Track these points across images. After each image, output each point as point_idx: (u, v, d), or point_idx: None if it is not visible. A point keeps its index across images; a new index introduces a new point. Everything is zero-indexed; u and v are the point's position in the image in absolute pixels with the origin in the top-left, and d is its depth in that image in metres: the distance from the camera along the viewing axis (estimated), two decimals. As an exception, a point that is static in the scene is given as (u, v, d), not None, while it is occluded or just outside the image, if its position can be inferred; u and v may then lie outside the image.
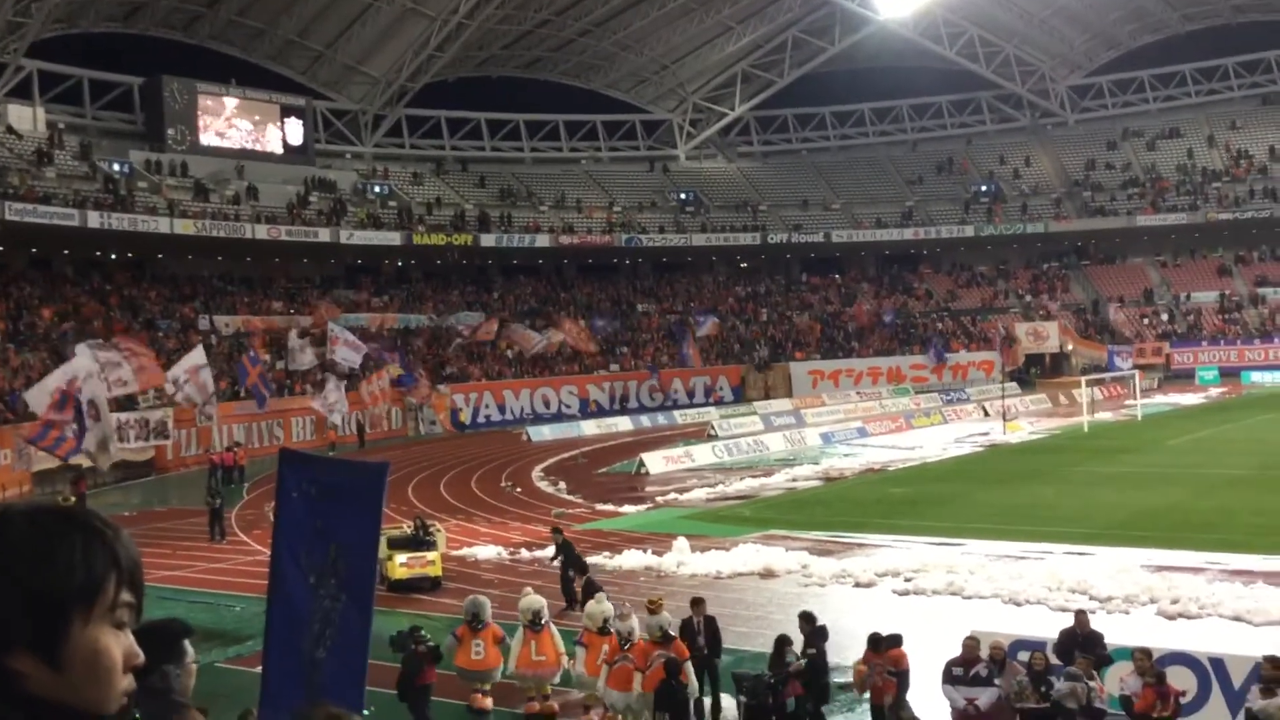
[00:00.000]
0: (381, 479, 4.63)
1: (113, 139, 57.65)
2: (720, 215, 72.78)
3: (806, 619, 13.10)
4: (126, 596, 1.58)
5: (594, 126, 75.77)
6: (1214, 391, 57.61)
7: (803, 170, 78.72)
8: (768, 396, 58.72)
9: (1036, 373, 63.08)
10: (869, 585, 19.49)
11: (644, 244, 68.82)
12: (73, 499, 26.86)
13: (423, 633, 13.39)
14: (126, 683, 1.58)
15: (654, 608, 13.33)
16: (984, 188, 76.15)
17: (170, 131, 57.63)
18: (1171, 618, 16.44)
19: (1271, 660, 11.09)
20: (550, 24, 65.61)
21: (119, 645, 1.57)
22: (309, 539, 4.47)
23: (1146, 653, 11.56)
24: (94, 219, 48.16)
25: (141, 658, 1.61)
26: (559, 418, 54.06)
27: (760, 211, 73.36)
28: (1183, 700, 11.36)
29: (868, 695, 12.26)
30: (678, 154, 76.76)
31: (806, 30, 71.54)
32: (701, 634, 13.68)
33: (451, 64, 64.74)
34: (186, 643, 3.37)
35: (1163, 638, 13.61)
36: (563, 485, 34.14)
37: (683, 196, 73.74)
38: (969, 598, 18.14)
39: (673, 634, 12.85)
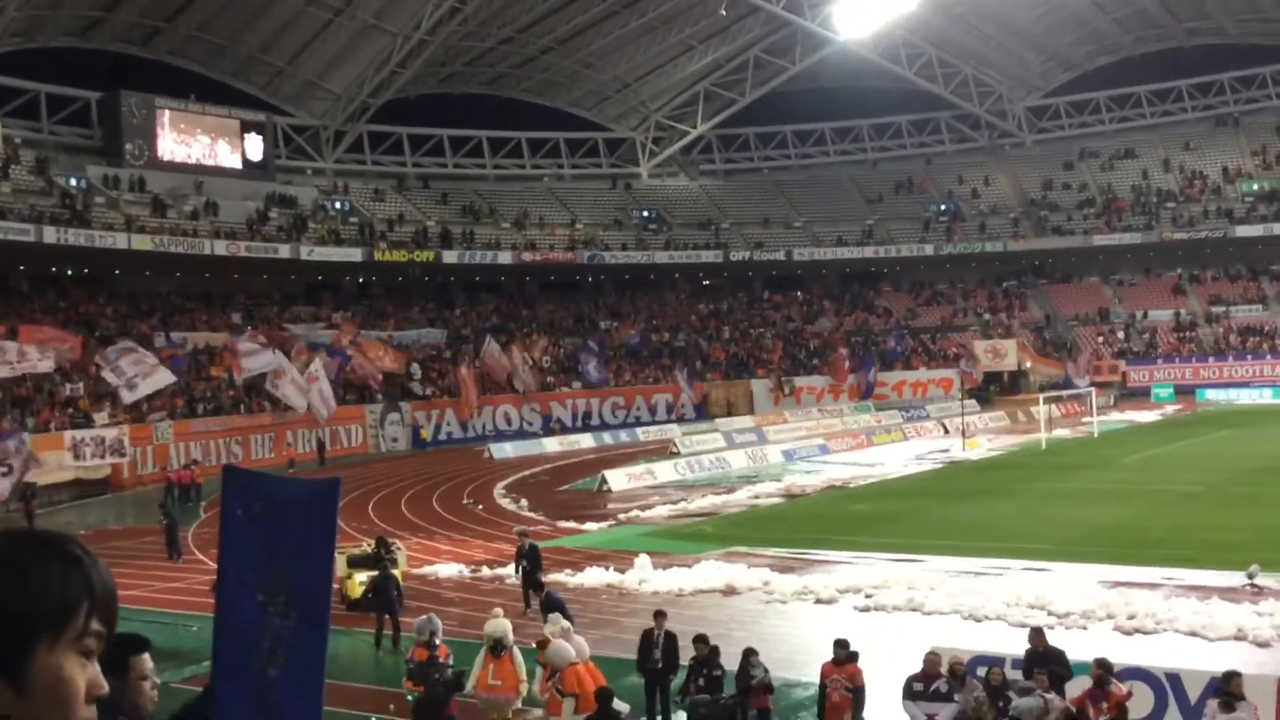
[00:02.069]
0: (333, 496, 4.58)
1: (70, 154, 57.05)
2: (682, 233, 72.99)
3: (702, 640, 13.17)
4: (96, 626, 1.57)
5: (556, 144, 75.86)
6: (1169, 409, 58.32)
7: (764, 188, 79.15)
8: (729, 414, 58.85)
9: (995, 390, 63.60)
10: (830, 602, 19.53)
11: (606, 261, 68.88)
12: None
13: (441, 661, 13.15)
14: (88, 713, 1.56)
15: (541, 644, 13.33)
16: (943, 207, 76.89)
17: (128, 147, 57.09)
18: (1128, 633, 16.59)
19: (1232, 676, 11.20)
20: (513, 41, 65.67)
21: (83, 674, 1.55)
22: (256, 557, 4.42)
23: (1100, 662, 11.69)
24: (50, 234, 47.60)
25: (105, 689, 1.59)
26: (521, 435, 53.91)
27: (722, 229, 73.65)
28: (1128, 704, 11.43)
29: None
30: (640, 172, 76.95)
31: (768, 50, 71.99)
32: (659, 648, 13.65)
33: (414, 80, 64.60)
34: (139, 659, 3.30)
35: (1119, 653, 13.70)
36: (525, 502, 34.02)
37: (645, 214, 73.91)
38: (929, 614, 18.22)
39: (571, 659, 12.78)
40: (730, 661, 12.98)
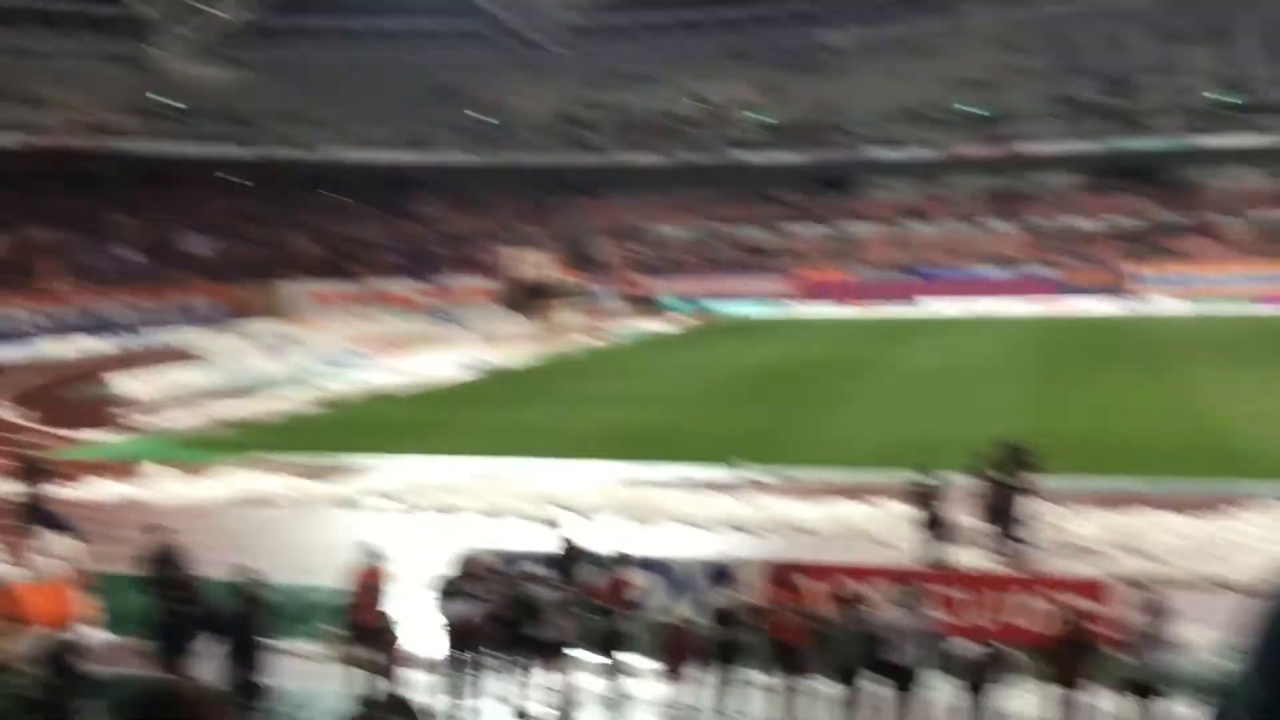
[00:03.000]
0: None
1: None
2: (213, 125, 68.75)
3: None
4: None
5: (68, 16, 68.52)
6: (685, 320, 63.01)
7: (303, 84, 76.01)
8: (262, 317, 56.65)
9: (528, 300, 65.69)
10: (362, 506, 19.60)
11: (125, 151, 63.54)
12: None
13: None
14: None
15: None
16: (482, 117, 77.71)
17: None
18: (640, 525, 18.03)
19: (727, 563, 12.49)
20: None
21: None
22: None
23: (612, 554, 12.75)
24: None
25: None
26: (21, 335, 48.90)
27: (257, 125, 70.13)
28: (636, 595, 12.55)
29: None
30: (165, 55, 71.36)
31: (306, -63, 68.87)
32: (170, 564, 12.95)
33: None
34: None
35: (631, 545, 14.84)
36: (22, 410, 31.11)
37: (171, 102, 68.76)
38: (460, 514, 18.80)
39: None
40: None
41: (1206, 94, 72.38)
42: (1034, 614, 12.53)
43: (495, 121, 77.50)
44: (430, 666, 11.97)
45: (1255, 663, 0.63)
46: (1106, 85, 75.67)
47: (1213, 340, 43.43)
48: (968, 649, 11.19)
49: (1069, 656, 10.69)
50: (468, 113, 77.70)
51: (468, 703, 11.70)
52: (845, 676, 11.01)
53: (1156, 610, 10.74)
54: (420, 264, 66.68)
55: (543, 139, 77.51)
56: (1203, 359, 37.41)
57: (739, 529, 17.76)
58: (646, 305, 66.93)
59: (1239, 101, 71.50)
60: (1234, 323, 50.91)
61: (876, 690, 10.96)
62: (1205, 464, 20.62)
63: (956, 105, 75.58)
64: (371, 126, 74.03)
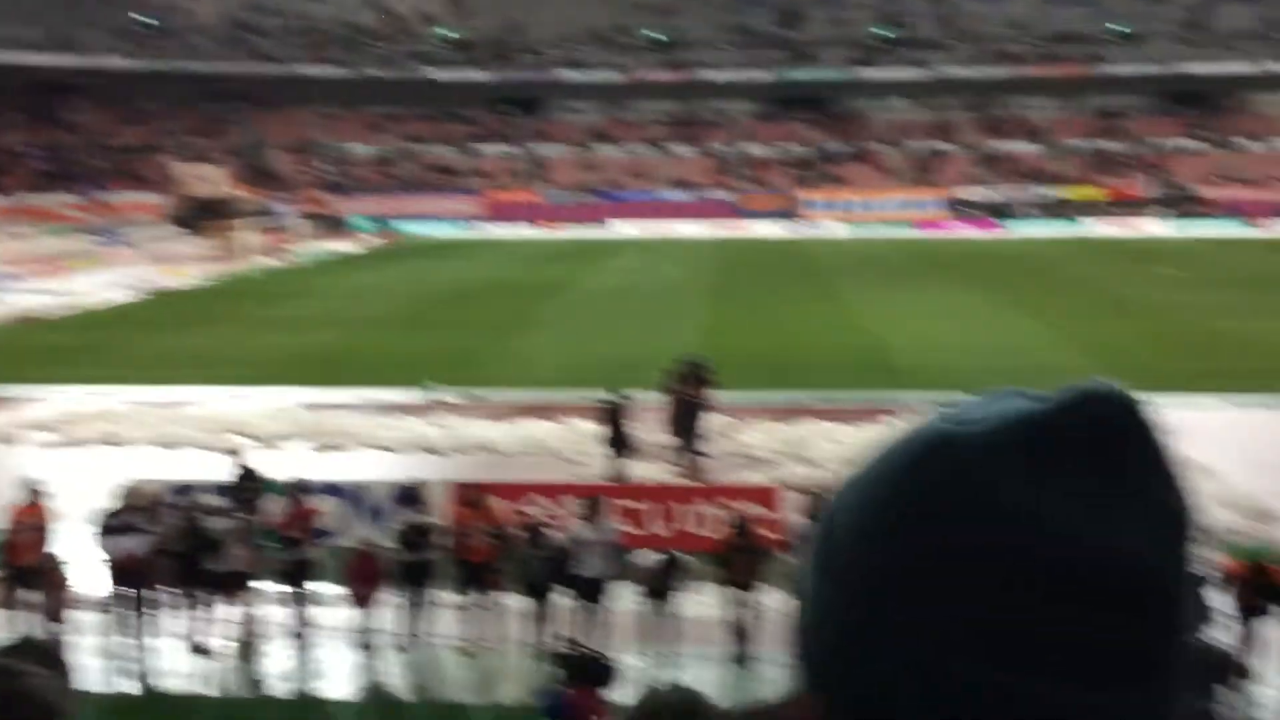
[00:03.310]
0: None
1: None
2: None
3: None
4: None
5: None
6: (370, 240, 61.46)
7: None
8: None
9: (200, 217, 62.06)
10: (16, 440, 18.13)
11: None
12: None
13: None
14: None
15: None
16: (146, 18, 72.21)
17: None
18: (324, 451, 17.55)
19: (416, 483, 12.35)
20: None
21: None
22: None
23: (295, 482, 12.41)
24: None
25: None
26: None
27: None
28: (321, 522, 12.34)
29: None
30: None
31: None
32: None
33: None
34: None
35: (316, 471, 14.48)
36: None
37: None
38: (126, 445, 17.71)
39: None
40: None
41: (869, 28, 76.81)
42: (710, 521, 13.16)
43: (157, 23, 72.11)
44: (103, 606, 11.29)
45: (810, 554, 0.66)
46: (778, 16, 78.88)
47: (872, 262, 46.54)
48: (649, 558, 11.62)
49: (741, 560, 11.29)
50: (130, 14, 71.90)
51: (141, 641, 11.11)
52: (534, 592, 11.20)
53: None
54: (75, 177, 61.62)
55: (214, 45, 72.87)
56: (864, 280, 40.06)
57: (427, 450, 17.62)
58: (331, 225, 64.77)
59: (897, 36, 76.33)
60: (891, 245, 54.73)
61: (564, 603, 11.22)
62: (865, 377, 22.16)
63: (642, 31, 76.76)
64: (16, 25, 67.21)
